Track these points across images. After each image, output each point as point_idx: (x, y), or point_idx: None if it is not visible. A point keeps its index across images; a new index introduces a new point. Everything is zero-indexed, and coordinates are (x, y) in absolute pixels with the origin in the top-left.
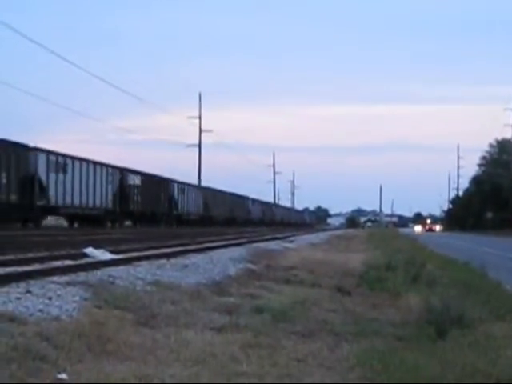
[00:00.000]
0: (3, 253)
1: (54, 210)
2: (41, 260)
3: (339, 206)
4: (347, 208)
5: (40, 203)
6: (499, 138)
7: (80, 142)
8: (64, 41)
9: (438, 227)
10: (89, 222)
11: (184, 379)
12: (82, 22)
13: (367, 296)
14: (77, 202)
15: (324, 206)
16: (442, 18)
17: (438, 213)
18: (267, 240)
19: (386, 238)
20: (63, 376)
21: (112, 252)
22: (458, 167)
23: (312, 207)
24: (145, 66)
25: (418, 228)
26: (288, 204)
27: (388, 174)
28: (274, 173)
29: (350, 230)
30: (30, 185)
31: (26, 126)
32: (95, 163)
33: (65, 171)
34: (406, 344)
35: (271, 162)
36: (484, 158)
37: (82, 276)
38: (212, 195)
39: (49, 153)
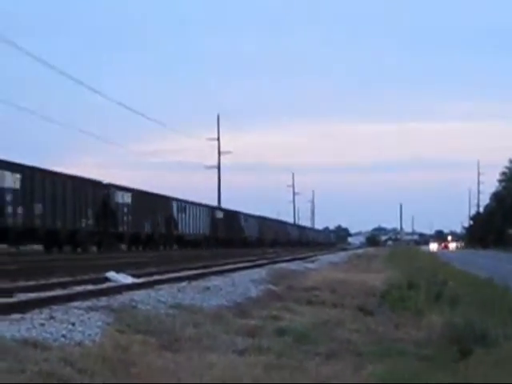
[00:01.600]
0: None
1: None
2: (63, 285)
3: (359, 224)
4: (367, 227)
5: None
6: None
7: (100, 167)
8: (81, 65)
9: (454, 245)
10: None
11: None
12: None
13: (390, 315)
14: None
15: (344, 225)
16: (468, 32)
17: (459, 229)
18: (288, 261)
19: (408, 257)
20: None
21: (134, 276)
22: (479, 183)
23: (332, 226)
24: (163, 88)
25: (433, 246)
26: (308, 224)
27: (408, 192)
28: (294, 193)
29: (371, 249)
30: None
31: (47, 150)
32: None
33: None
34: (429, 364)
35: (290, 182)
36: (504, 173)
37: (103, 300)
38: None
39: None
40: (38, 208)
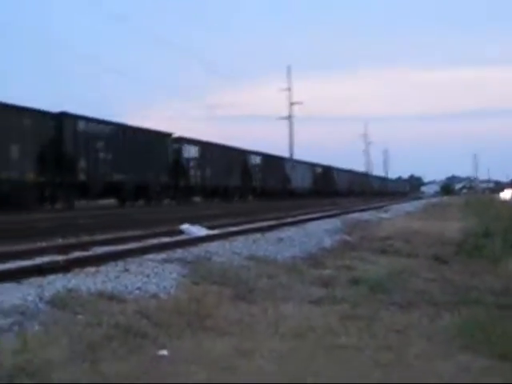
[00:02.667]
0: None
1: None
2: (138, 238)
3: (433, 173)
4: (441, 176)
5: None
6: None
7: (170, 120)
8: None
9: None
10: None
11: (283, 353)
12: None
13: (466, 264)
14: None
15: (417, 174)
16: None
17: None
18: (361, 211)
19: (483, 205)
20: (164, 352)
21: (208, 227)
22: None
23: (405, 176)
24: (233, 42)
25: (505, 194)
26: (381, 173)
27: (484, 140)
28: (367, 142)
29: (445, 198)
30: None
31: (119, 106)
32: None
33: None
34: (507, 312)
35: (362, 132)
36: None
37: (178, 253)
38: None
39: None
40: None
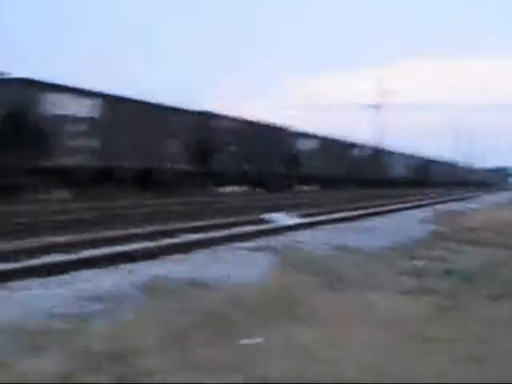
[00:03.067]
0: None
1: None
2: (223, 226)
3: None
4: None
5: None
6: None
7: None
8: None
9: None
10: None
11: (375, 343)
12: None
13: None
14: None
15: (503, 164)
16: None
17: None
18: (450, 201)
19: None
20: (256, 340)
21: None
22: None
23: (491, 165)
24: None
25: None
26: (468, 163)
27: None
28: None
29: None
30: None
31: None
32: None
33: None
34: None
35: (449, 122)
36: None
37: (267, 241)
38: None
39: None
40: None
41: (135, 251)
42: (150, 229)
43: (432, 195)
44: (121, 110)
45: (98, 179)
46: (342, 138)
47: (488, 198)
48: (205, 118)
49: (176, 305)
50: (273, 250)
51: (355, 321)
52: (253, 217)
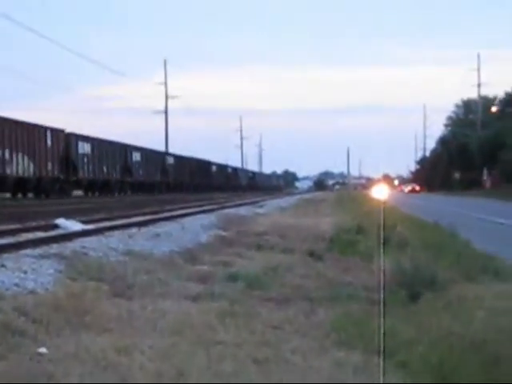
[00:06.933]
0: None
1: None
2: (12, 232)
3: (307, 169)
4: (315, 171)
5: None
6: (465, 98)
7: (48, 111)
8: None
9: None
10: None
11: (162, 349)
12: None
13: (339, 260)
14: None
15: (291, 169)
16: None
17: (405, 174)
18: (236, 206)
19: (356, 201)
20: (43, 350)
21: (84, 222)
22: (425, 127)
23: (279, 171)
24: (112, 35)
25: (377, 190)
26: (255, 168)
27: (356, 136)
28: (242, 137)
29: (319, 193)
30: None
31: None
32: None
33: None
34: (380, 308)
35: (238, 127)
36: (450, 118)
37: (54, 248)
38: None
39: None
40: None
41: None
42: None
43: (221, 200)
44: None
45: None
46: (116, 141)
47: (275, 203)
48: None
49: None
50: (60, 257)
51: (145, 327)
52: (41, 223)
